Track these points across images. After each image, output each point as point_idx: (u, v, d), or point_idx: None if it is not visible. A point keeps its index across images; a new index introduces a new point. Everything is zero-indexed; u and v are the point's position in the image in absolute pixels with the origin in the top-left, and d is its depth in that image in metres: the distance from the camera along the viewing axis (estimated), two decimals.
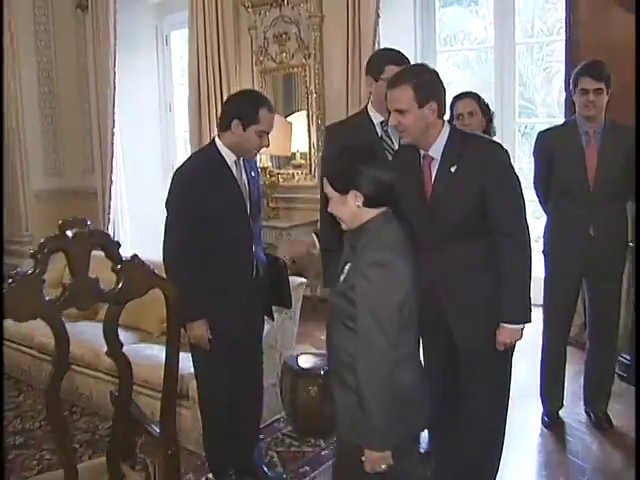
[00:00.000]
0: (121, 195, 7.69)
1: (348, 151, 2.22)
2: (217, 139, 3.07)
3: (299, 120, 6.37)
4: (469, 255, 2.67)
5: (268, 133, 3.01)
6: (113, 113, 7.47)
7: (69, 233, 1.81)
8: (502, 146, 2.75)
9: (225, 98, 6.66)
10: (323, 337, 3.88)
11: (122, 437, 2.16)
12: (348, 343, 2.14)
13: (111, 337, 1.95)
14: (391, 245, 2.09)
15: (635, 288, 3.77)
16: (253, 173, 3.18)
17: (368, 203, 2.11)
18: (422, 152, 2.67)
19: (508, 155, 2.69)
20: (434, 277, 2.65)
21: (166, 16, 7.99)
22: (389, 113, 2.67)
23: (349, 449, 2.23)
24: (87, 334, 4.28)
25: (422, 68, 2.70)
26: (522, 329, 2.68)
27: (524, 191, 2.72)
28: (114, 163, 7.55)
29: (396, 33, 6.00)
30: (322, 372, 3.71)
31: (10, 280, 1.73)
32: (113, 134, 7.49)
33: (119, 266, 1.91)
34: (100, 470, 2.25)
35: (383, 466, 2.12)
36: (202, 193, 2.91)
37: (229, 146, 3.02)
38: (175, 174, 3.07)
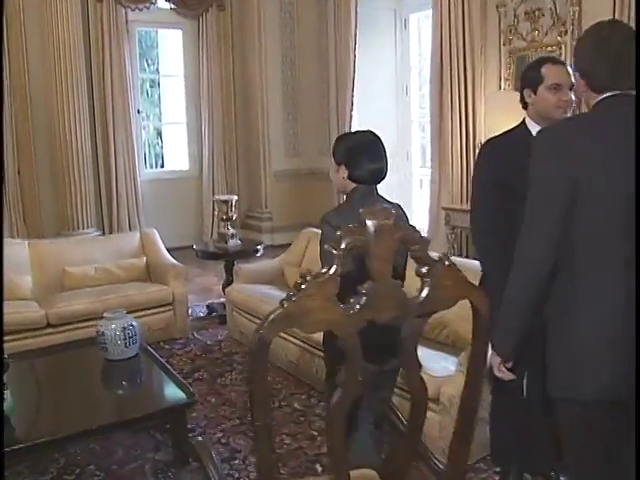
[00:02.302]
0: None
1: (351, 136, 2.83)
2: (526, 117, 2.76)
3: None
4: None
5: (562, 85, 2.63)
6: (352, 96, 7.16)
7: (370, 225, 1.35)
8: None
9: (469, 81, 6.09)
10: None
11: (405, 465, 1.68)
12: None
13: (409, 357, 1.47)
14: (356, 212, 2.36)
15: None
16: None
17: (350, 178, 2.57)
18: None
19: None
20: None
21: None
22: None
23: None
24: None
25: None
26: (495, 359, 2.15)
27: None
28: None
29: None
30: None
31: (300, 281, 1.30)
32: (351, 117, 7.18)
33: (426, 269, 1.41)
34: None
35: None
36: (503, 164, 2.63)
37: (534, 118, 2.71)
38: (481, 147, 2.95)
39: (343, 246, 1.31)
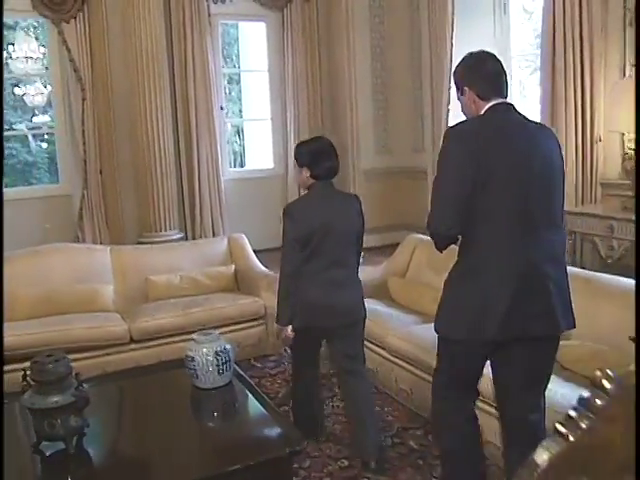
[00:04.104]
0: None
1: (311, 143, 3.18)
2: None
3: None
4: None
5: None
6: (449, 87, 6.47)
7: None
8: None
9: (586, 68, 5.34)
10: None
11: None
12: None
13: None
14: (314, 201, 3.07)
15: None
16: None
17: (312, 176, 3.04)
18: None
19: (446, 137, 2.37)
20: None
21: None
22: None
23: None
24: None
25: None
26: None
27: None
28: None
29: None
30: None
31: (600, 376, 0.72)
32: (448, 110, 6.50)
33: None
34: None
35: (282, 337, 3.14)
36: None
37: None
38: None
39: None
